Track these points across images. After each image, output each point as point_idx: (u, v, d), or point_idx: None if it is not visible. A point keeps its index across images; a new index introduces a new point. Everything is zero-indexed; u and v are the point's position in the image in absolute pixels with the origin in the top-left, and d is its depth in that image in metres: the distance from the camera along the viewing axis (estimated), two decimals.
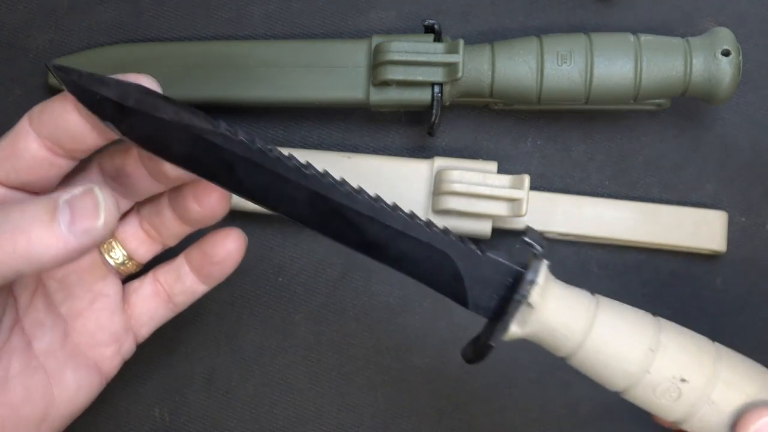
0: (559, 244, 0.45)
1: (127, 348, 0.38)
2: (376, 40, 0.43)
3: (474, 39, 0.45)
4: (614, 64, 0.41)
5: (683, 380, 0.32)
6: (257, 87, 0.43)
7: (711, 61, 0.41)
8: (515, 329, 0.33)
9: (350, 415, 0.45)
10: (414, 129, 0.46)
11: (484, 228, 0.43)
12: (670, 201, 0.46)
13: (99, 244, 0.31)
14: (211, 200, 0.35)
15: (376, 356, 0.45)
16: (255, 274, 0.45)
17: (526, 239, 0.33)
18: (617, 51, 0.41)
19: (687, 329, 0.34)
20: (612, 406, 0.45)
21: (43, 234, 0.29)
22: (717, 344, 0.34)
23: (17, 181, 0.33)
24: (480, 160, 0.44)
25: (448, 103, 0.43)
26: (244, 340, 0.45)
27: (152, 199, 0.37)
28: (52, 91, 0.45)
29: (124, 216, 0.38)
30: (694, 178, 0.46)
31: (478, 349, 0.33)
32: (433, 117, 0.42)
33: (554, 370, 0.45)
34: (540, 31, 0.43)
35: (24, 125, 0.32)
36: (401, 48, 0.41)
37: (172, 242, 0.38)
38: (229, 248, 0.37)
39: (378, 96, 0.42)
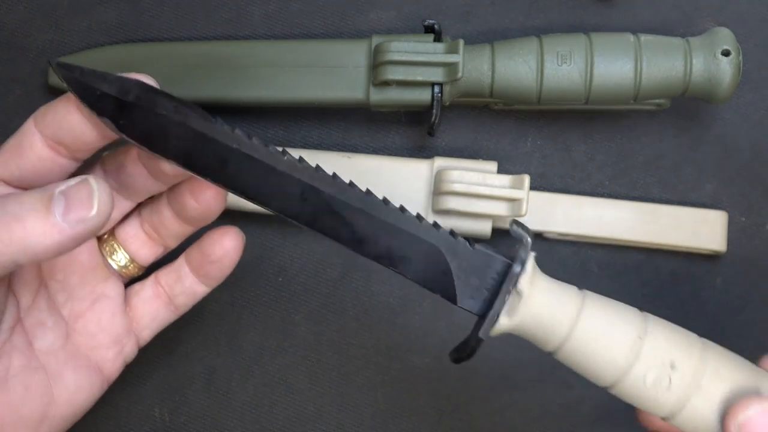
0: (559, 244, 0.45)
1: (129, 351, 0.39)
2: (376, 40, 0.43)
3: (474, 39, 0.45)
4: (614, 64, 0.41)
5: (673, 366, 0.32)
6: (257, 87, 0.43)
7: (711, 61, 0.41)
8: (504, 320, 0.33)
9: (350, 415, 0.45)
10: (414, 129, 0.46)
11: (484, 228, 0.43)
12: (670, 201, 0.46)
13: (94, 234, 0.31)
14: (207, 196, 0.35)
15: (376, 356, 0.45)
16: (255, 274, 0.45)
17: (514, 228, 0.34)
18: (617, 51, 0.41)
19: (672, 323, 0.34)
20: (612, 407, 0.45)
21: (38, 223, 0.30)
22: (702, 338, 0.34)
23: (22, 180, 0.34)
24: (480, 160, 0.44)
25: (448, 103, 0.43)
26: (244, 340, 0.45)
27: (152, 200, 0.38)
28: (52, 91, 0.45)
29: (125, 218, 0.38)
30: (693, 178, 0.46)
31: (467, 345, 0.33)
32: (433, 117, 0.42)
33: (554, 370, 0.45)
34: (540, 31, 0.43)
35: (30, 125, 0.33)
36: (401, 48, 0.41)
37: (172, 243, 0.39)
38: (226, 246, 0.37)
39: (378, 96, 0.42)
